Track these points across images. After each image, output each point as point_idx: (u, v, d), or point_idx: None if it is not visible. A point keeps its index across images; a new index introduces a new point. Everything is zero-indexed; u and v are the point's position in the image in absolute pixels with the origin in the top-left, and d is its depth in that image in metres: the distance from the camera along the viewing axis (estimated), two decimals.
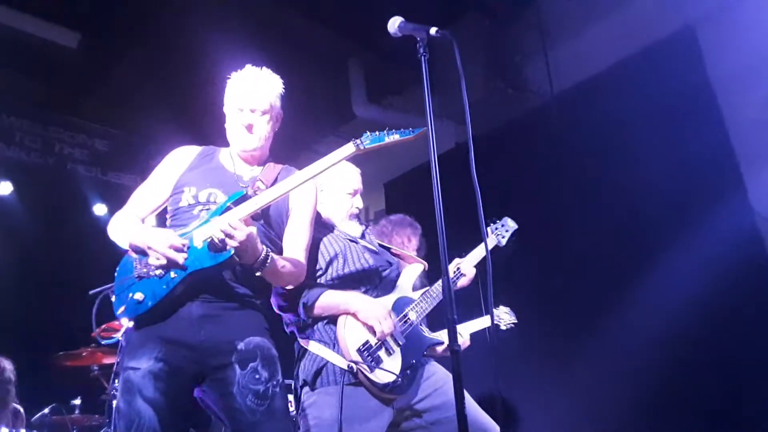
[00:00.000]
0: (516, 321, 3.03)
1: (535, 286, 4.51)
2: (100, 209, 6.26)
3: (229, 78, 2.35)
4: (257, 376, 2.01)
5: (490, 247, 2.82)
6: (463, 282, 2.73)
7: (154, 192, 2.33)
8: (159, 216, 2.39)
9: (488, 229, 2.94)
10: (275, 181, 2.28)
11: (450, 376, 2.45)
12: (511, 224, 2.99)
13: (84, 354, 4.36)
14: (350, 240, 2.60)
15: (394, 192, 6.54)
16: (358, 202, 2.75)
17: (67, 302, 4.86)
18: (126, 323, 2.08)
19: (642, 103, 4.16)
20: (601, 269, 4.27)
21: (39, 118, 6.13)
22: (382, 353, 2.35)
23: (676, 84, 4.12)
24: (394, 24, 2.05)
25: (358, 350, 2.32)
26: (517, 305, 3.16)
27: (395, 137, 2.12)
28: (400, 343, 2.40)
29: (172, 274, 2.01)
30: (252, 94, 2.28)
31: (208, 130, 3.11)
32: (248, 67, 2.35)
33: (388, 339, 2.40)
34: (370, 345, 2.35)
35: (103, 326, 4.43)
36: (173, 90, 5.55)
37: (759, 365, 3.57)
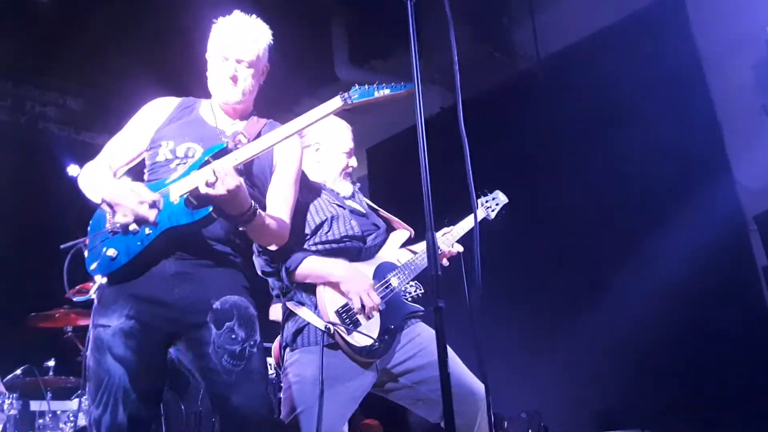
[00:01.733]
0: (506, 199, 2.96)
1: (518, 260, 4.52)
2: (73, 170, 6.09)
3: (215, 22, 2.22)
4: (233, 336, 1.94)
5: (480, 219, 2.80)
6: (457, 247, 2.70)
7: (128, 144, 2.22)
8: (135, 171, 2.26)
9: (478, 201, 2.89)
10: (258, 135, 2.17)
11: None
12: (501, 198, 2.95)
13: (57, 315, 4.27)
14: (338, 205, 2.55)
15: (377, 157, 6.48)
16: (353, 162, 2.70)
17: (39, 263, 4.77)
18: (99, 280, 2.00)
19: (629, 70, 4.14)
20: (585, 238, 4.28)
21: (9, 75, 5.92)
22: (360, 317, 2.32)
23: (663, 51, 4.10)
24: None
25: (337, 312, 2.29)
26: (501, 280, 3.15)
27: (385, 92, 2.00)
28: (380, 309, 2.36)
29: (147, 230, 1.92)
30: (239, 43, 2.15)
31: (187, 80, 3.00)
32: (236, 13, 2.21)
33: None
34: (350, 308, 2.31)
35: (77, 287, 4.35)
36: (150, 43, 5.36)
37: (742, 345, 3.63)
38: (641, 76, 4.10)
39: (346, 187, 2.65)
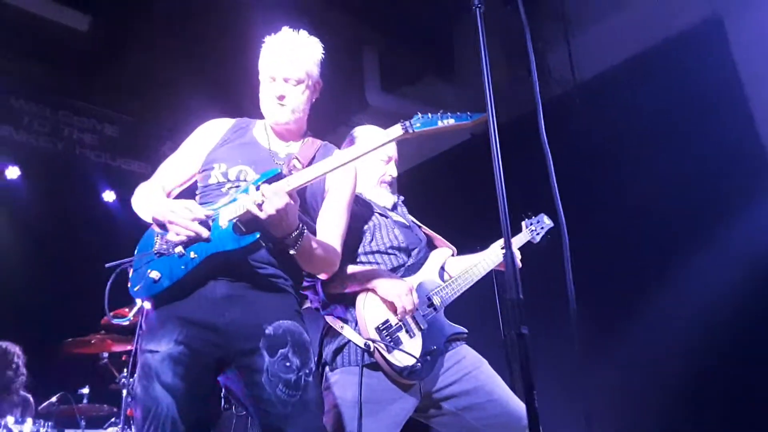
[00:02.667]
0: (552, 223, 2.85)
1: (557, 283, 4.42)
2: (109, 196, 6.20)
3: (264, 42, 2.18)
4: (288, 364, 1.84)
5: (522, 243, 2.74)
6: (501, 266, 2.60)
7: (182, 165, 2.19)
8: (188, 192, 2.23)
9: (523, 223, 2.83)
10: (313, 159, 2.12)
11: (483, 361, 2.37)
12: (547, 221, 2.86)
13: (93, 341, 4.28)
14: (381, 214, 2.46)
15: (405, 184, 6.46)
16: (392, 170, 2.60)
17: (75, 288, 4.81)
18: (140, 303, 1.97)
19: (667, 94, 4.04)
20: (626, 263, 4.17)
21: (48, 102, 6.06)
22: (402, 335, 2.22)
23: (702, 74, 4.00)
24: None
25: (377, 328, 2.19)
26: (544, 298, 3.07)
27: (449, 122, 1.88)
28: (422, 328, 2.26)
29: (192, 254, 1.87)
30: (285, 61, 2.11)
31: (234, 102, 3.02)
32: (284, 30, 2.17)
33: (410, 321, 2.26)
34: (390, 324, 2.21)
35: (111, 314, 4.36)
36: (188, 71, 5.46)
37: None
38: (680, 99, 4.01)
39: (386, 198, 2.56)
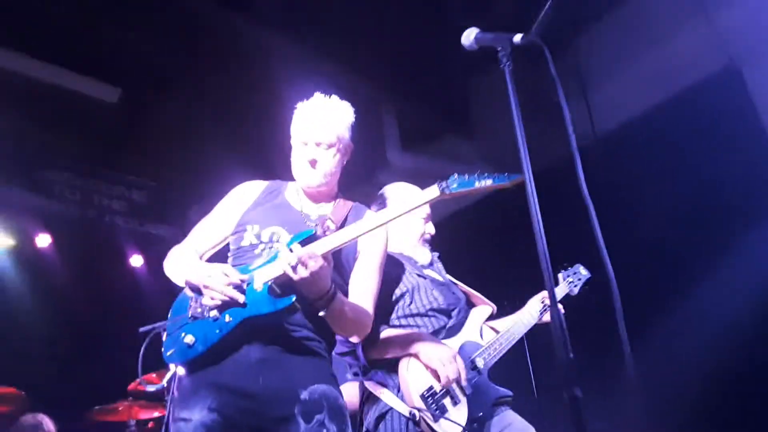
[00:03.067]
0: (588, 273, 2.83)
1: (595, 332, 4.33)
2: (136, 260, 6.28)
3: (295, 108, 2.23)
4: (325, 431, 1.79)
5: (561, 296, 2.70)
6: (547, 318, 2.56)
7: (215, 228, 2.21)
8: (219, 255, 2.25)
9: (559, 275, 2.79)
10: (345, 221, 2.12)
11: (530, 427, 2.28)
12: (583, 272, 2.84)
13: (120, 408, 4.27)
14: (418, 275, 2.43)
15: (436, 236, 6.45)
16: (431, 228, 2.59)
17: (103, 355, 4.83)
18: (173, 368, 1.97)
19: (689, 142, 4.04)
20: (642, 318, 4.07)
21: (78, 171, 6.23)
22: (447, 402, 2.14)
23: (723, 122, 4.01)
24: (470, 36, 1.86)
25: (422, 396, 2.12)
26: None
27: (487, 183, 1.87)
28: (467, 393, 2.18)
29: (227, 318, 1.86)
30: (316, 126, 2.13)
31: (263, 166, 3.07)
32: (316, 95, 2.22)
33: (454, 387, 2.18)
34: (435, 391, 2.14)
35: (137, 380, 4.37)
36: (215, 136, 5.60)
37: None
38: (701, 147, 4.00)
39: (424, 255, 2.53)
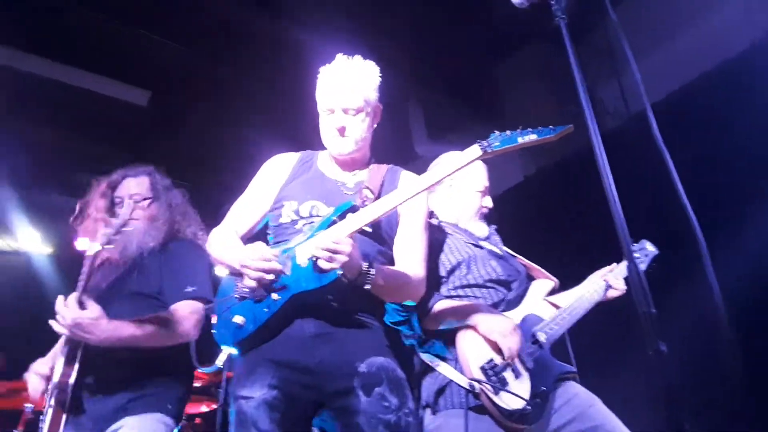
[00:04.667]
0: (655, 249, 2.63)
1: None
2: None
3: (319, 73, 2.15)
4: (386, 404, 1.76)
5: (626, 274, 2.54)
6: (611, 294, 2.41)
7: (253, 206, 2.17)
8: (259, 233, 2.23)
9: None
10: (382, 186, 2.08)
11: (595, 398, 2.20)
12: (650, 248, 2.64)
13: None
14: (474, 245, 2.36)
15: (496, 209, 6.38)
16: (488, 201, 2.52)
17: None
18: (226, 349, 1.97)
19: (728, 115, 3.95)
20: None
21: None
22: (508, 375, 2.06)
23: (761, 95, 3.90)
24: None
25: (482, 368, 2.05)
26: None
27: (531, 137, 1.80)
28: (529, 367, 2.10)
29: (274, 296, 1.85)
30: (341, 92, 2.06)
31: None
32: (338, 57, 2.13)
33: (516, 360, 2.10)
34: (495, 364, 2.07)
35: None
36: (245, 133, 5.64)
37: None
38: (742, 121, 3.91)
39: (480, 228, 2.47)
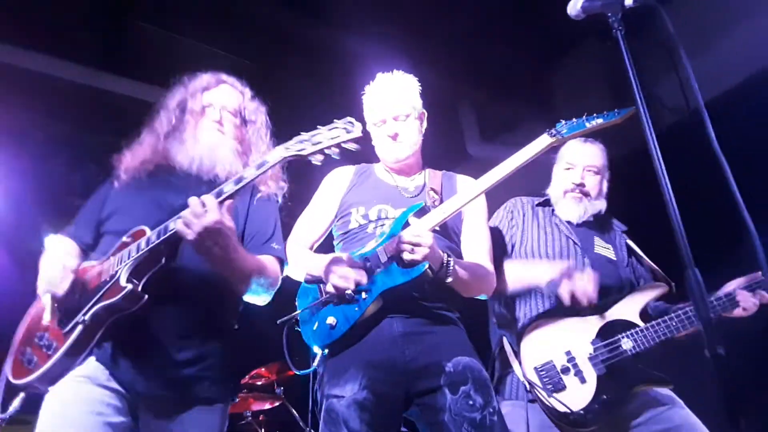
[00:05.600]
0: None
1: None
2: None
3: (363, 94, 2.30)
4: (471, 402, 1.82)
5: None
6: (738, 313, 2.25)
7: (319, 217, 2.28)
8: (324, 245, 2.32)
9: None
10: (442, 188, 2.18)
11: (674, 398, 2.18)
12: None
13: (236, 400, 4.47)
14: (573, 242, 2.35)
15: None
16: (575, 177, 2.45)
17: None
18: (318, 351, 2.04)
19: None
20: None
21: None
22: (568, 379, 2.09)
23: None
24: (576, 5, 1.79)
25: (536, 369, 2.11)
26: None
27: (598, 122, 1.92)
28: (597, 373, 2.10)
29: (363, 295, 1.92)
30: (389, 101, 2.20)
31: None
32: (379, 75, 2.28)
33: (584, 364, 2.12)
34: (553, 366, 2.11)
35: (252, 372, 4.59)
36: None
37: None
38: None
39: (573, 211, 2.45)
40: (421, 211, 2.01)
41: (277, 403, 4.63)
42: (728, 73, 4.32)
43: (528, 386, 2.06)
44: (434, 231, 2.03)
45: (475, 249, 2.15)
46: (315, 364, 2.05)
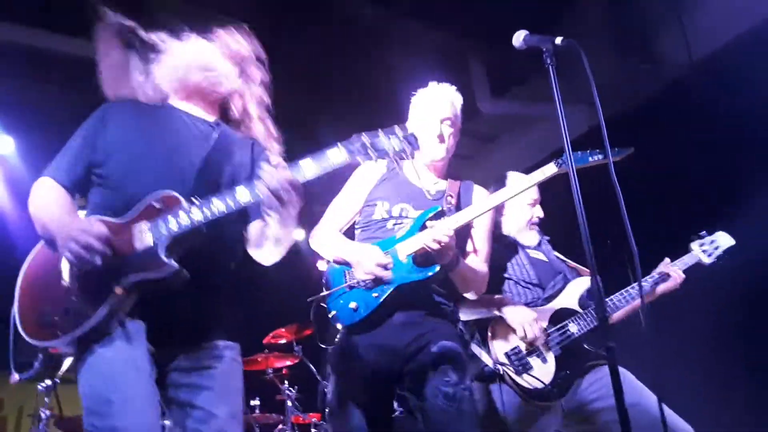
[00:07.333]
0: (730, 242, 2.67)
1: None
2: None
3: (414, 94, 2.51)
4: (447, 379, 2.13)
5: (689, 264, 2.68)
6: (667, 285, 2.62)
7: (350, 205, 2.50)
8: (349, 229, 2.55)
9: (693, 244, 2.72)
10: (459, 196, 2.43)
11: (627, 373, 2.45)
12: (723, 242, 2.68)
13: (259, 359, 4.84)
14: (518, 249, 2.67)
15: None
16: (539, 212, 2.80)
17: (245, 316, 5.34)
18: (339, 328, 2.31)
19: None
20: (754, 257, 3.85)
21: None
22: (533, 360, 2.40)
23: None
24: (519, 37, 2.02)
25: (506, 354, 2.40)
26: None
27: (599, 157, 2.17)
28: (555, 354, 2.42)
29: (384, 287, 2.20)
30: (441, 104, 2.42)
31: None
32: (432, 83, 2.50)
33: (542, 348, 2.43)
34: (520, 350, 2.41)
35: (272, 333, 4.93)
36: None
37: None
38: None
39: (531, 238, 2.74)
40: (437, 215, 2.27)
41: (296, 361, 5.04)
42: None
43: (501, 369, 2.35)
44: None
45: (477, 255, 2.41)
46: (337, 340, 2.31)
